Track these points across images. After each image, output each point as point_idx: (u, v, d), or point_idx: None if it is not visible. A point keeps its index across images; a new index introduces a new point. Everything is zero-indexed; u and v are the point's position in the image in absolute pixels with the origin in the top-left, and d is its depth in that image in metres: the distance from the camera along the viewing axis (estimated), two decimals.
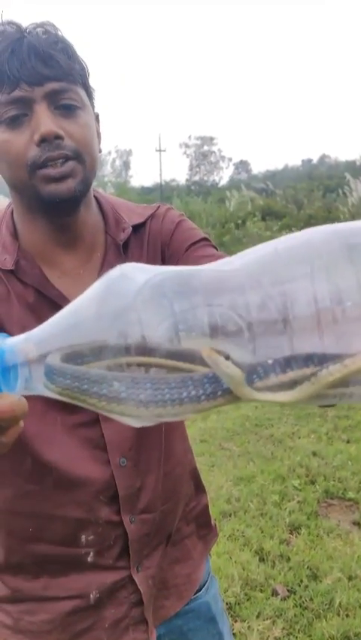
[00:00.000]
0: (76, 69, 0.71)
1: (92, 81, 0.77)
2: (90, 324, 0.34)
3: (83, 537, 0.78)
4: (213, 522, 1.00)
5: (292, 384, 0.34)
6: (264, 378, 0.33)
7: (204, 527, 0.97)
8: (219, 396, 0.33)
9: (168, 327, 0.34)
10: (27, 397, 0.37)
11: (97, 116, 0.80)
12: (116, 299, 0.34)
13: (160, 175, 40.10)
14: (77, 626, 0.80)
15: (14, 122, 0.68)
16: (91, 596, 0.79)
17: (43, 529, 0.78)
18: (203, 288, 0.35)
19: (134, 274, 0.36)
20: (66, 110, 0.70)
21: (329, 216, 11.93)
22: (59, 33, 0.71)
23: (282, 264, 0.35)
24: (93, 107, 0.78)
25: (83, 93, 0.73)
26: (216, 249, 0.83)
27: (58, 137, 0.68)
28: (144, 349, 0.33)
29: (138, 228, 0.83)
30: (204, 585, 0.95)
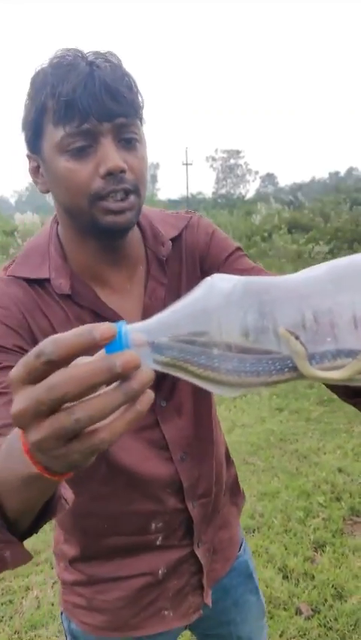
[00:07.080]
0: (138, 104, 0.74)
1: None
2: (191, 319, 0.44)
3: (153, 525, 0.89)
4: (240, 487, 1.12)
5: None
6: (320, 362, 0.44)
7: (236, 494, 1.09)
8: (286, 372, 0.44)
9: (249, 324, 0.44)
10: None
11: None
12: (212, 299, 0.44)
13: (187, 188, 40.31)
14: (145, 599, 0.91)
15: (80, 153, 0.71)
16: (160, 572, 0.91)
17: (117, 525, 0.87)
18: (279, 294, 0.46)
19: (227, 280, 0.46)
20: (128, 143, 0.73)
21: (357, 229, 11.79)
22: (123, 65, 0.73)
23: (337, 281, 0.46)
24: None
25: (140, 125, 0.76)
26: (248, 257, 0.92)
27: (122, 170, 0.71)
28: (232, 340, 0.44)
29: (173, 240, 0.88)
30: (241, 545, 1.08)
